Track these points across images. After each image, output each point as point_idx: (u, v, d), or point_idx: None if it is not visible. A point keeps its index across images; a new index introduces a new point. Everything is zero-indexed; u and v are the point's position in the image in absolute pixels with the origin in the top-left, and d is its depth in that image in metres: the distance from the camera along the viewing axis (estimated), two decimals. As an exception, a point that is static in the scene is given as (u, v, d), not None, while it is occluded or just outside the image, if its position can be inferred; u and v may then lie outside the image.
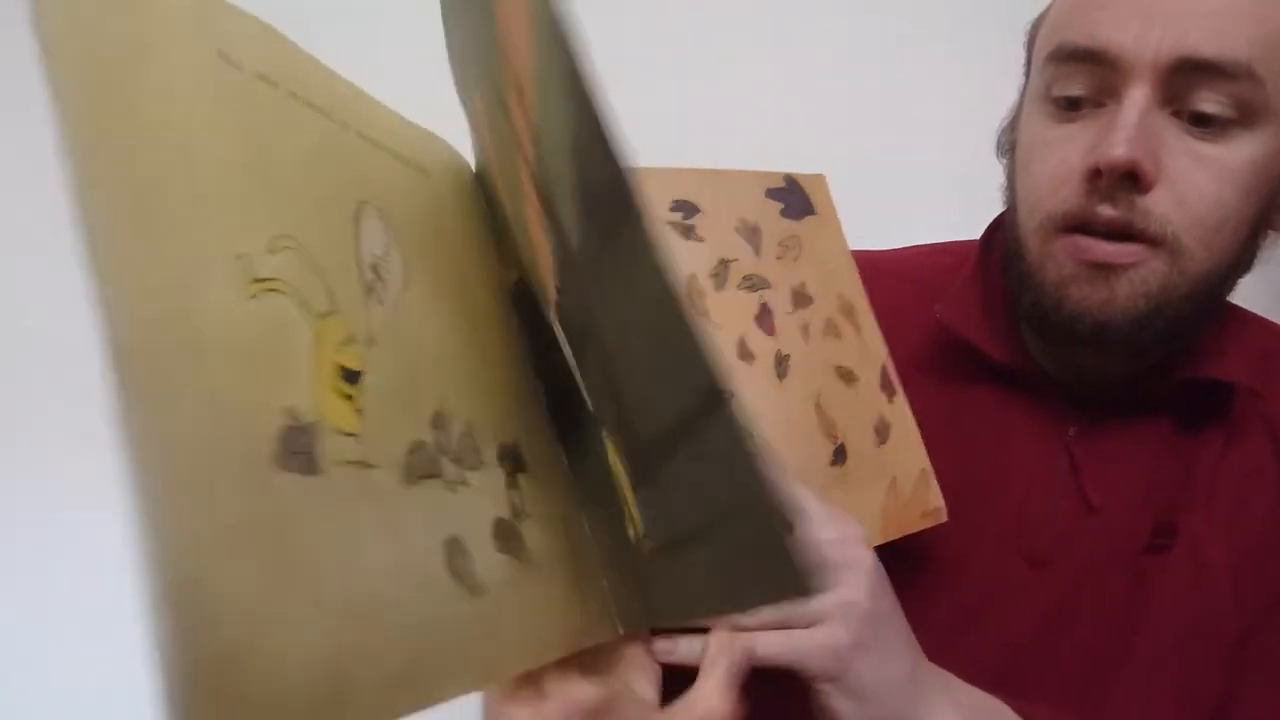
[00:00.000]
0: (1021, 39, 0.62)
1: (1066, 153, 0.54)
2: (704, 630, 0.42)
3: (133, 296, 0.21)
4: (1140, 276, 0.52)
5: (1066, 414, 0.62)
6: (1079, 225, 0.54)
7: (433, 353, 0.35)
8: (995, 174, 0.64)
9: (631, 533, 0.37)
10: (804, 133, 0.99)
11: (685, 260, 0.51)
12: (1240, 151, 0.51)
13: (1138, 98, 0.50)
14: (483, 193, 0.44)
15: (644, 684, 0.40)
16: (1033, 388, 0.63)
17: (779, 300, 0.54)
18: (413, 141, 0.40)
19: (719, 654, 0.40)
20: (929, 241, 0.76)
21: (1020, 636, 0.59)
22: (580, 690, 0.38)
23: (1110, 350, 0.56)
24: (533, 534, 0.36)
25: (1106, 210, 0.52)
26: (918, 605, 0.49)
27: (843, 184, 0.61)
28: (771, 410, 0.50)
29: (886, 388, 0.57)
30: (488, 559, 0.33)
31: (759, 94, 1.11)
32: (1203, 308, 0.55)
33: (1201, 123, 0.51)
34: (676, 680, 0.41)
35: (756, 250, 0.54)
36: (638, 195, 0.24)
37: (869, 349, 0.58)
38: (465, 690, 0.28)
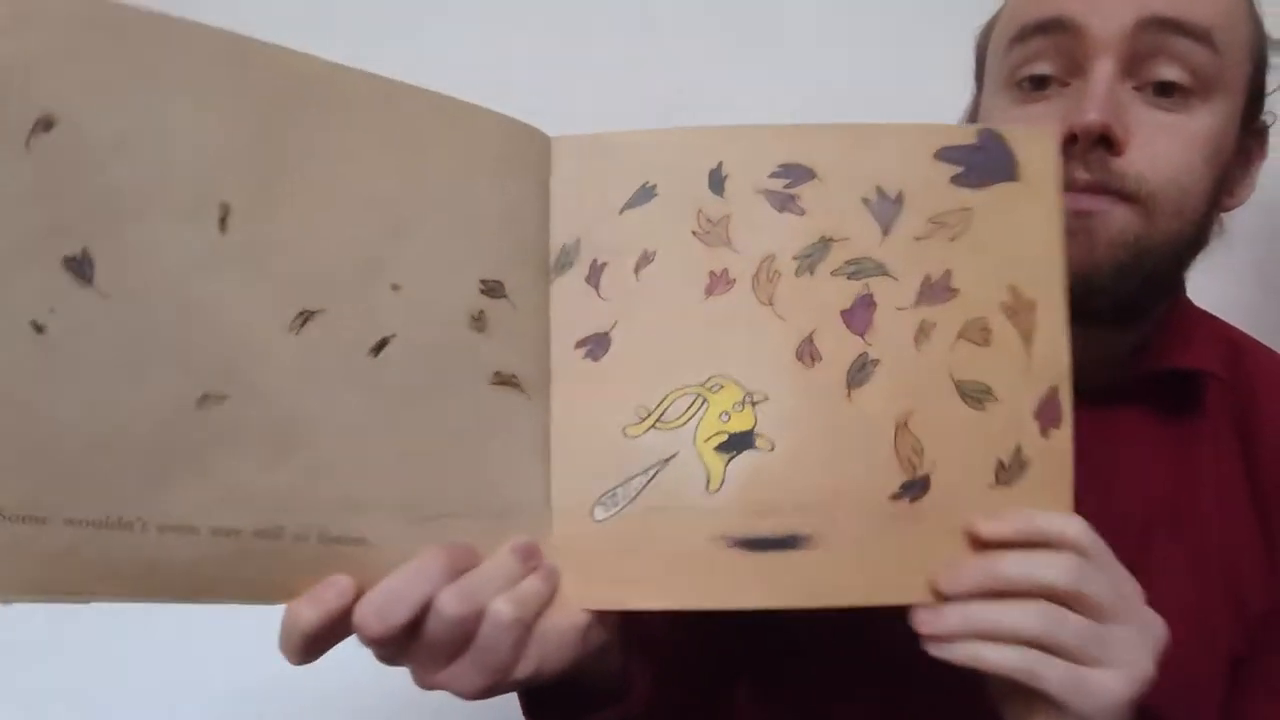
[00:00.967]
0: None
1: (1041, 123, 0.53)
2: None
3: None
4: (1118, 225, 0.53)
5: None
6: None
7: None
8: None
9: None
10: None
11: (769, 236, 0.46)
12: (1200, 120, 0.54)
13: (1104, 69, 0.53)
14: None
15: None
16: None
17: (895, 292, 0.46)
18: None
19: None
20: None
21: None
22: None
23: (1096, 309, 0.53)
24: None
25: (1082, 174, 0.53)
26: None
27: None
28: (818, 423, 0.44)
29: (1046, 417, 0.46)
30: None
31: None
32: (1171, 273, 0.58)
33: (1164, 92, 0.54)
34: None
35: (886, 227, 0.46)
36: None
37: (1035, 365, 0.46)
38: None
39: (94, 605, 0.36)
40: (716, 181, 0.46)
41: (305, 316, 0.39)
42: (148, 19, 0.36)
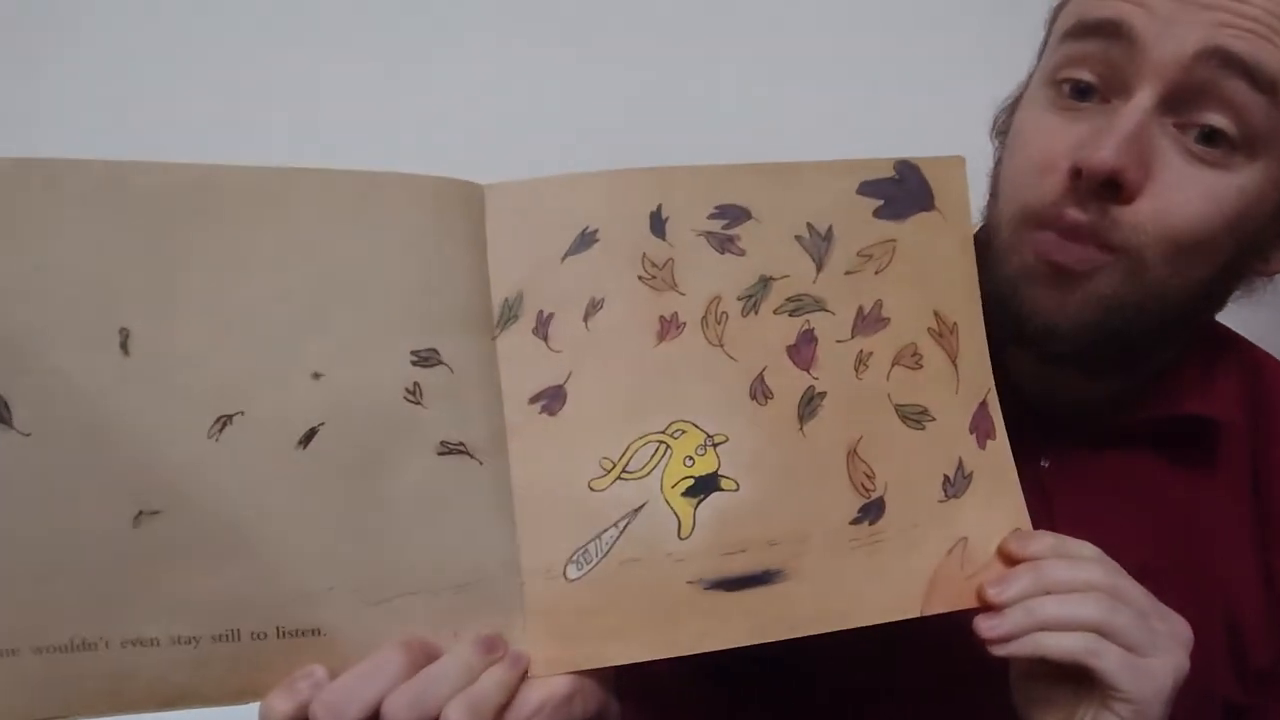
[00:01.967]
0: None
1: (1057, 143, 0.50)
2: None
3: None
4: (1094, 285, 0.49)
5: (1039, 444, 0.56)
6: (1051, 222, 0.50)
7: None
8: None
9: None
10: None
11: (713, 278, 0.46)
12: (1236, 178, 0.48)
13: (1144, 100, 0.47)
14: None
15: None
16: (1001, 410, 0.51)
17: (833, 325, 0.47)
18: None
19: None
20: None
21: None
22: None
23: (1061, 359, 0.53)
24: None
25: (1074, 213, 0.48)
26: (891, 644, 0.47)
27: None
28: (777, 459, 0.45)
29: (980, 430, 0.49)
30: None
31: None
32: (1158, 328, 0.51)
33: (1207, 140, 0.47)
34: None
35: (820, 263, 0.47)
36: None
37: (964, 381, 0.49)
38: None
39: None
40: (658, 224, 0.46)
41: (223, 421, 0.39)
42: (19, 165, 0.37)
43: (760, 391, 0.46)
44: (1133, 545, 0.47)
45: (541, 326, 0.45)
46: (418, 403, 0.42)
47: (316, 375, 0.40)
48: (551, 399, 0.44)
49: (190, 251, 0.39)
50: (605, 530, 0.43)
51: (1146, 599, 0.44)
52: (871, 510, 0.46)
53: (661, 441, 0.44)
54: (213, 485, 0.39)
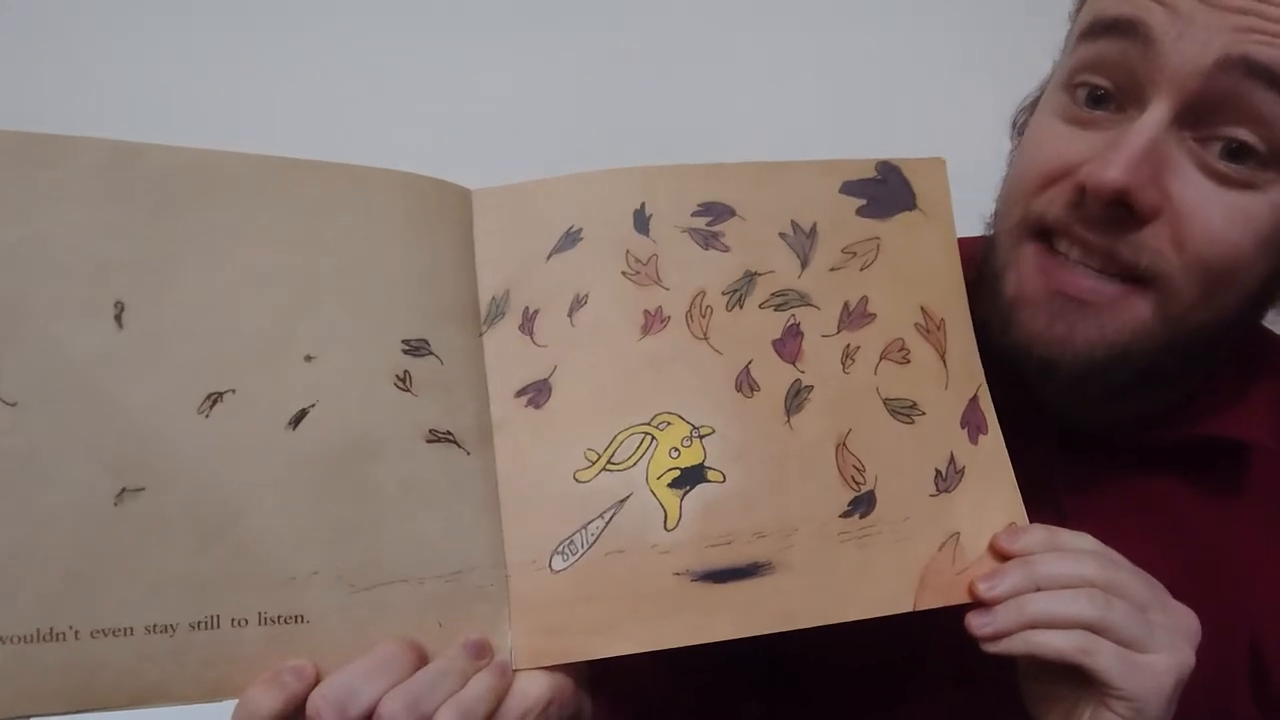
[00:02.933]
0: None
1: (1065, 155, 0.46)
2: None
3: None
4: (1113, 321, 0.46)
5: (1054, 459, 0.54)
6: (1058, 234, 0.47)
7: None
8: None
9: None
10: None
11: (697, 273, 0.47)
12: (1266, 197, 0.43)
13: (1159, 114, 0.43)
14: None
15: None
16: (1016, 424, 0.49)
17: (819, 320, 0.47)
18: None
19: None
20: None
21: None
22: None
23: (1061, 393, 0.49)
24: None
25: (1089, 236, 0.45)
26: (900, 661, 0.46)
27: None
28: (764, 451, 0.45)
29: (971, 424, 0.48)
30: None
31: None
32: (1187, 361, 0.48)
33: (1231, 155, 0.43)
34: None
35: (804, 260, 0.48)
36: None
37: (954, 377, 0.48)
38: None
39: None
40: (641, 222, 0.46)
41: (214, 398, 0.39)
42: (21, 139, 0.37)
43: (746, 384, 0.46)
44: (1155, 573, 0.44)
45: (527, 323, 0.45)
46: (408, 390, 0.42)
47: (309, 358, 0.41)
48: (537, 392, 0.44)
49: (188, 232, 0.39)
50: (591, 521, 0.43)
51: (1147, 591, 0.43)
52: (862, 503, 0.46)
53: (647, 433, 0.44)
54: (200, 462, 0.38)
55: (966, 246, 0.51)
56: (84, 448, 0.37)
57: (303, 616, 0.39)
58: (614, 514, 0.43)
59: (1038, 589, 0.43)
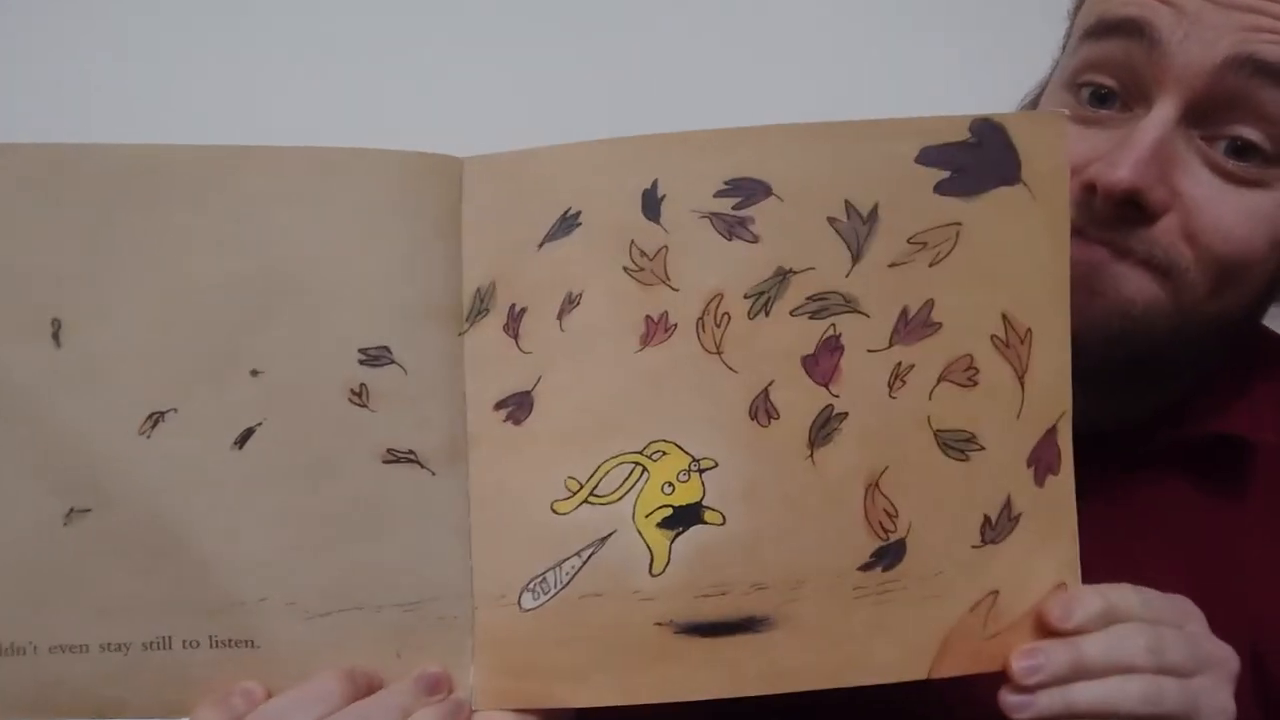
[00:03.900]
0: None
1: (1073, 149, 0.42)
2: None
3: None
4: (1127, 292, 0.45)
5: None
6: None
7: None
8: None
9: None
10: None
11: (715, 270, 0.38)
12: (1275, 193, 0.44)
13: (1166, 112, 0.44)
14: None
15: None
16: None
17: (866, 331, 0.39)
18: None
19: None
20: None
21: None
22: None
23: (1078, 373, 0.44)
24: None
25: (1096, 232, 0.45)
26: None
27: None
28: (776, 491, 0.38)
29: (1041, 462, 0.40)
30: None
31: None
32: (1193, 353, 0.49)
33: (1239, 153, 0.44)
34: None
35: (857, 252, 0.38)
36: None
37: (1031, 403, 0.39)
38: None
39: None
40: (652, 204, 0.38)
41: (155, 418, 0.38)
42: None
43: (763, 410, 0.39)
44: (1158, 575, 0.43)
45: (513, 323, 0.39)
46: (363, 405, 0.39)
47: (255, 372, 0.38)
48: (517, 406, 0.39)
49: (129, 238, 0.37)
50: (567, 559, 0.39)
51: (1190, 655, 0.40)
52: (888, 554, 0.39)
53: (638, 463, 0.39)
54: (143, 484, 0.38)
55: None
56: (30, 469, 0.37)
57: (252, 641, 0.38)
58: (593, 553, 0.39)
59: (1082, 677, 0.38)
